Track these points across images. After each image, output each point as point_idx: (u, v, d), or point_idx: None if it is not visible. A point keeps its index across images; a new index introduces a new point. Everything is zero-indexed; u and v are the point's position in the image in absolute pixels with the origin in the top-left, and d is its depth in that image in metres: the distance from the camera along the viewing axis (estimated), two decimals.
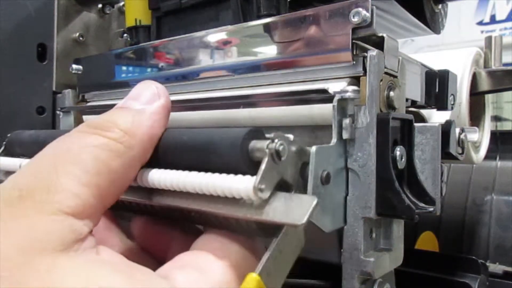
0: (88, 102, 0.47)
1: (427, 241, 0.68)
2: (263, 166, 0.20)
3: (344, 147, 0.27)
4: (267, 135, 0.22)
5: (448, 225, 0.70)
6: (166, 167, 0.24)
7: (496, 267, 0.56)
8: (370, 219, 0.27)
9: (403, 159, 0.28)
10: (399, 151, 0.27)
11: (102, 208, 0.22)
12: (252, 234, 0.23)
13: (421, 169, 0.29)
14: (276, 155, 0.21)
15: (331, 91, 0.27)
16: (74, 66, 0.46)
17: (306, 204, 0.20)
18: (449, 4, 0.44)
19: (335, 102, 0.26)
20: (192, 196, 0.23)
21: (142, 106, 0.24)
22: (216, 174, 0.22)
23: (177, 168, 0.24)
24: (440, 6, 0.43)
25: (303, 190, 0.23)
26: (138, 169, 0.24)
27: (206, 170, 0.22)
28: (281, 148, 0.21)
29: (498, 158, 0.74)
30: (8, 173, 0.35)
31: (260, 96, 0.32)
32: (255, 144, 0.22)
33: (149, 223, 0.29)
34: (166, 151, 0.25)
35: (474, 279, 0.40)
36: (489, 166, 0.73)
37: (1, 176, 0.37)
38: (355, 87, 0.27)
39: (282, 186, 0.22)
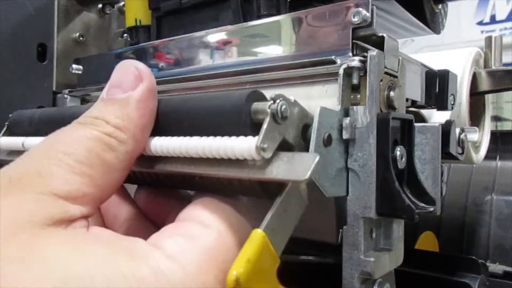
0: (88, 102, 0.47)
1: (427, 241, 0.68)
2: (265, 126, 0.21)
3: (345, 113, 0.27)
4: (269, 97, 0.22)
5: (448, 225, 0.70)
6: (168, 136, 0.24)
7: (496, 267, 0.56)
8: (370, 219, 0.27)
9: (403, 159, 0.28)
10: (399, 151, 0.27)
11: (98, 198, 0.22)
12: (256, 196, 0.24)
13: (421, 169, 0.29)
14: (277, 115, 0.21)
15: (337, 60, 0.27)
16: (74, 66, 0.46)
17: (308, 161, 0.21)
18: (449, 4, 0.44)
19: (341, 71, 0.27)
20: (195, 161, 0.23)
21: (126, 94, 0.24)
22: (218, 137, 0.22)
23: (179, 136, 0.24)
24: (440, 6, 0.43)
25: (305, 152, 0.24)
26: (134, 160, 0.24)
27: (209, 136, 0.22)
28: (282, 108, 0.21)
29: (498, 158, 0.74)
30: (12, 152, 0.36)
31: (265, 70, 0.32)
32: (256, 106, 0.22)
33: (152, 194, 0.30)
34: (167, 120, 0.25)
35: (474, 279, 0.40)
36: (489, 166, 0.73)
37: (4, 156, 0.37)
38: (361, 57, 0.27)
39: (284, 148, 0.22)
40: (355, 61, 0.27)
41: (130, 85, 0.24)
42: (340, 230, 0.28)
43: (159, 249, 0.20)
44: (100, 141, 0.22)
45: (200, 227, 0.22)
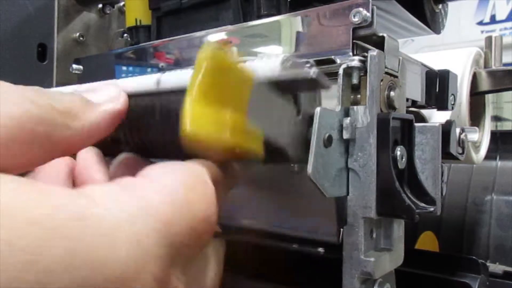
0: None
1: (427, 241, 0.68)
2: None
3: (345, 113, 0.27)
4: None
5: (448, 225, 0.70)
6: None
7: (496, 267, 0.56)
8: (371, 219, 0.27)
9: (404, 159, 0.28)
10: (399, 151, 0.27)
11: (10, 160, 0.19)
12: None
13: (421, 169, 0.29)
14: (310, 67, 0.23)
15: (337, 60, 0.28)
16: (74, 66, 0.46)
17: None
18: (449, 4, 0.44)
19: (341, 71, 0.27)
20: None
21: (96, 99, 0.23)
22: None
23: None
24: (440, 6, 0.43)
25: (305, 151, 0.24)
26: (68, 153, 0.22)
27: None
28: (317, 72, 0.23)
29: (498, 158, 0.74)
30: None
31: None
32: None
33: (128, 163, 0.28)
34: None
35: (474, 279, 0.40)
36: (489, 166, 0.73)
37: None
38: (361, 57, 0.27)
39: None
40: (355, 61, 0.27)
41: (105, 97, 0.23)
42: (341, 229, 0.28)
43: (83, 194, 0.17)
44: (43, 111, 0.20)
45: (144, 180, 0.20)
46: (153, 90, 0.25)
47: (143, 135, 0.27)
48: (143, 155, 0.29)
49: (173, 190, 0.20)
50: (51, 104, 0.20)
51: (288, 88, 0.24)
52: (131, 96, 0.25)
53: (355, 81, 0.27)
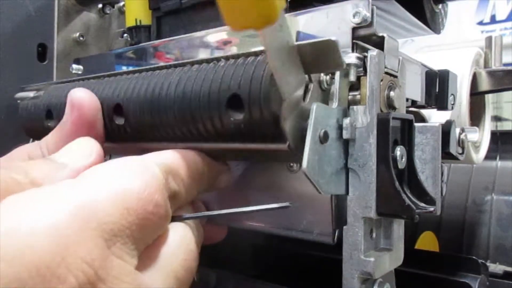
0: None
1: (427, 241, 0.68)
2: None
3: (343, 112, 0.27)
4: None
5: (448, 225, 0.70)
6: None
7: (496, 267, 0.56)
8: (371, 219, 0.27)
9: (404, 159, 0.28)
10: (399, 151, 0.27)
11: None
12: None
13: (421, 169, 0.29)
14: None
15: None
16: (74, 66, 0.46)
17: None
18: (449, 4, 0.44)
19: None
20: None
21: (67, 161, 0.26)
22: None
23: None
24: (440, 6, 0.43)
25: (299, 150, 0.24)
26: None
27: None
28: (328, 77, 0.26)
29: (498, 158, 0.73)
30: (36, 97, 0.40)
31: None
32: None
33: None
34: None
35: (474, 279, 0.40)
36: (489, 166, 0.73)
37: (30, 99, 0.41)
38: (359, 55, 0.27)
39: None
40: (352, 58, 0.27)
41: (75, 156, 0.26)
42: (337, 230, 0.28)
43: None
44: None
45: (81, 176, 0.23)
46: None
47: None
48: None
49: (102, 178, 0.22)
50: (13, 173, 0.24)
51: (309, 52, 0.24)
52: None
53: (352, 78, 0.27)
